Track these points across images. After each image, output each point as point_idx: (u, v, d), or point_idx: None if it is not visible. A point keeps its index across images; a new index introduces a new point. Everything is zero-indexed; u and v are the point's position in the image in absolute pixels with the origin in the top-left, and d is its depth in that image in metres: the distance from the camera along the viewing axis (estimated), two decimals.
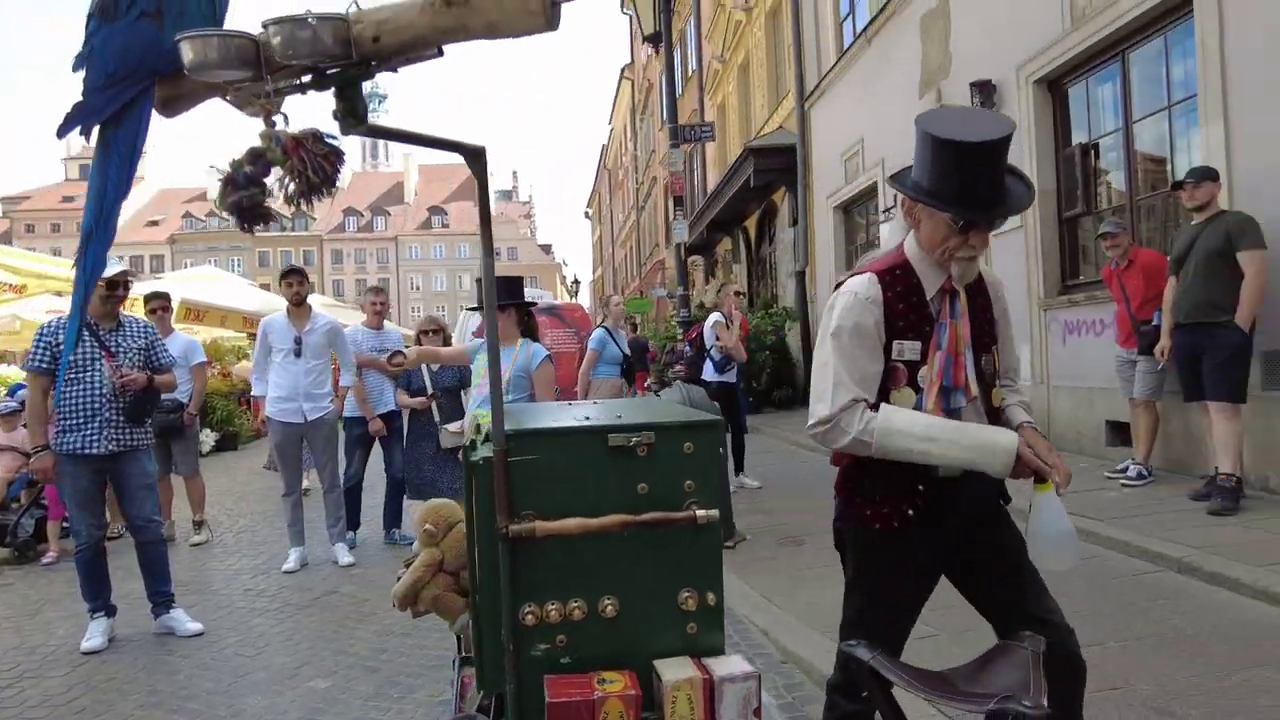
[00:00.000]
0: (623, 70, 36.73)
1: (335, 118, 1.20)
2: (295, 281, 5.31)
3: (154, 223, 72.45)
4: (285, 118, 1.23)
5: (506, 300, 3.59)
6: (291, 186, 1.21)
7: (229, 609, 4.39)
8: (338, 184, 1.30)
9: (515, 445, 1.56)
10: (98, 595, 3.95)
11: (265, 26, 1.12)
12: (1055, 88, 7.14)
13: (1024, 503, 1.85)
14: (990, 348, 1.89)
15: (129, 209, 74.07)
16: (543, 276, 70.26)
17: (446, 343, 5.65)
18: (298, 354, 5.18)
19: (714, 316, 6.79)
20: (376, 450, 5.81)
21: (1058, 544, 1.78)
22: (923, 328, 1.81)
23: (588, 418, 1.73)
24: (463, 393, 5.44)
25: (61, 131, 1.31)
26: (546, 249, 76.13)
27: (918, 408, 1.79)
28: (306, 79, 1.18)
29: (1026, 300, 7.29)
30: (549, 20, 1.12)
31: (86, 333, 4.03)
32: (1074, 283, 7.01)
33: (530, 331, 3.79)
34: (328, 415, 5.33)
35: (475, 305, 5.81)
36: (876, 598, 1.89)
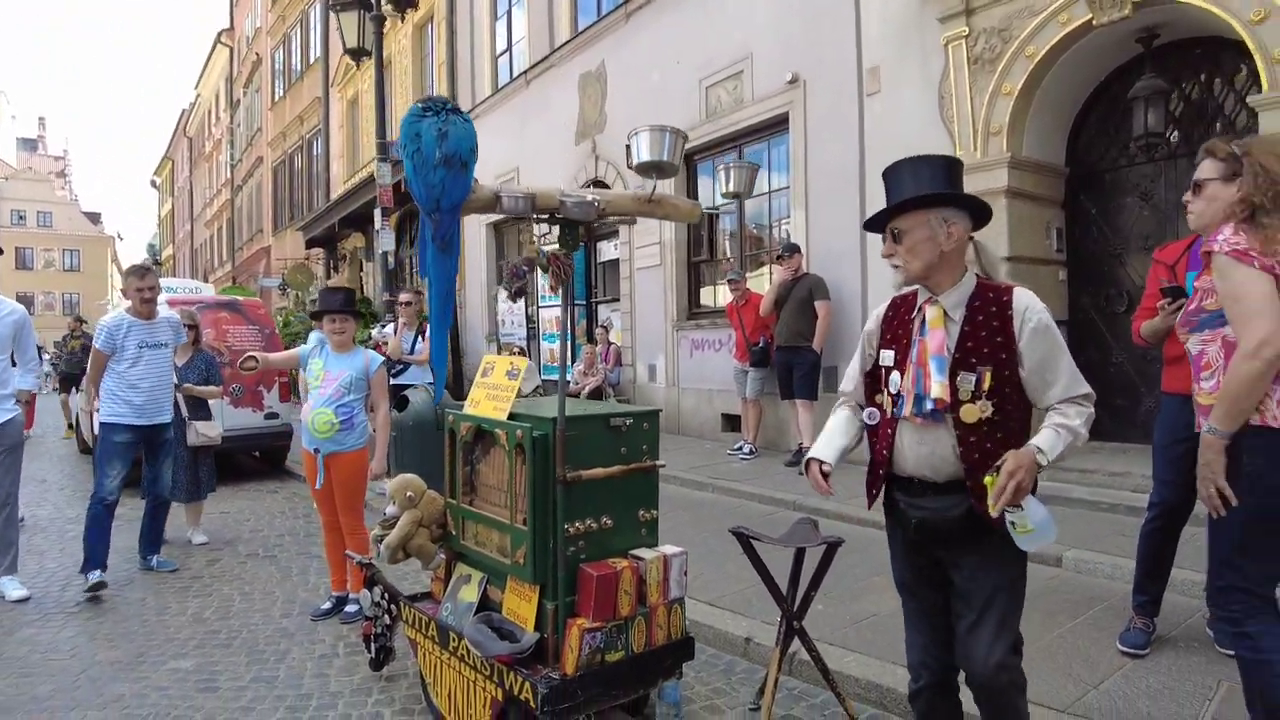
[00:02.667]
0: (220, 35, 33.31)
1: (560, 240, 2.09)
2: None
3: None
4: (539, 238, 2.08)
5: (343, 308, 4.11)
6: (551, 280, 2.05)
7: None
8: (570, 278, 2.16)
9: (568, 425, 2.53)
10: None
11: (563, 199, 1.96)
12: (690, 161, 9.30)
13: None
14: (973, 365, 1.93)
15: None
16: (87, 250, 59.05)
17: (197, 341, 5.61)
18: None
19: (386, 330, 7.08)
20: None
21: (1042, 528, 1.88)
22: (902, 339, 2.06)
23: (594, 409, 2.76)
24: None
25: (428, 225, 1.98)
26: (95, 219, 64.00)
27: (895, 409, 2.05)
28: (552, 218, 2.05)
29: (664, 323, 9.36)
30: (702, 219, 2.15)
31: None
32: (698, 310, 9.23)
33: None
34: (17, 418, 4.62)
35: (313, 313, 5.53)
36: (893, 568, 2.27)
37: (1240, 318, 2.08)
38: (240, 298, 9.26)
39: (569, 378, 8.22)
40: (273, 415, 8.23)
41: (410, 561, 3.00)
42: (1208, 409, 2.22)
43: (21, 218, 56.73)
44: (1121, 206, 6.13)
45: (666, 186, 9.15)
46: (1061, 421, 1.90)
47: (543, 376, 11.33)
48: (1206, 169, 2.49)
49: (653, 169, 2.14)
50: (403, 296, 6.89)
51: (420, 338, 6.69)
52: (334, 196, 19.88)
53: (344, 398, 3.99)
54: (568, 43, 11.14)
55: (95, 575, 4.47)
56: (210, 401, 5.78)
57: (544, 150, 11.74)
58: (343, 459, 4.00)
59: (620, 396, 9.83)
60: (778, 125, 8.00)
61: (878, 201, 6.80)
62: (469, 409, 2.88)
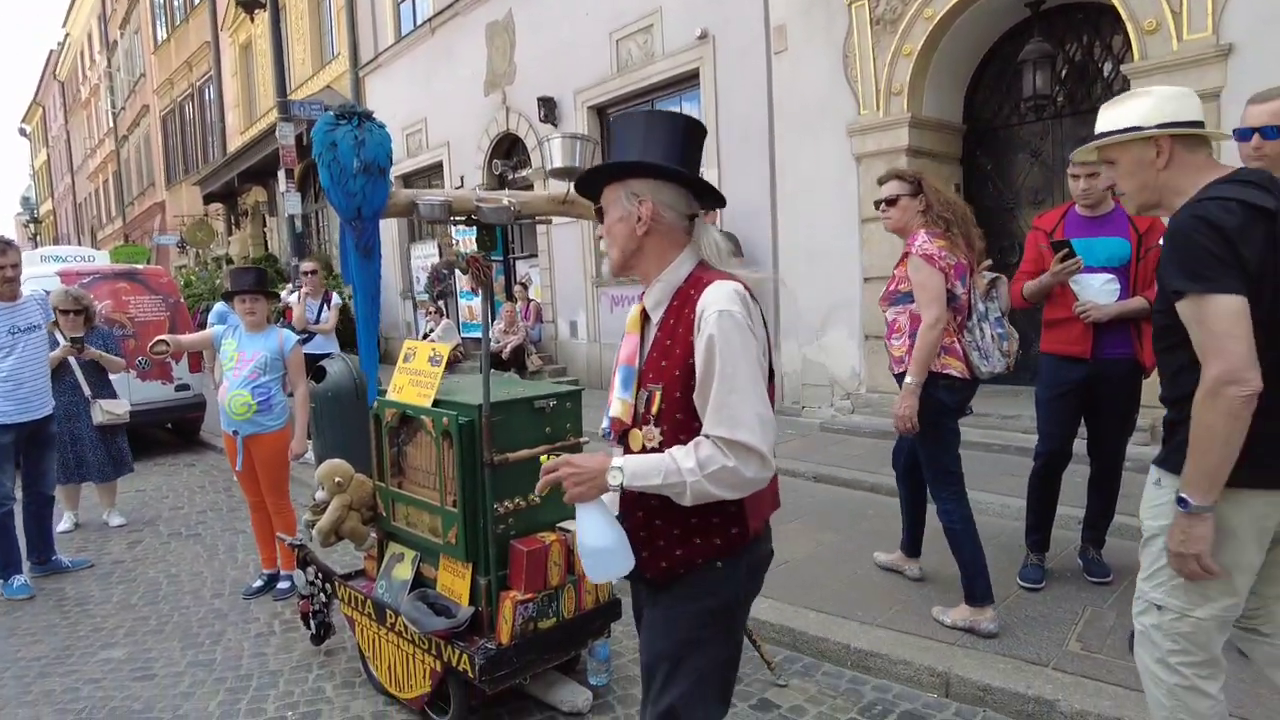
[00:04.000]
0: None
1: (478, 242, 2.14)
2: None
3: None
4: (460, 242, 2.13)
5: (254, 288, 4.05)
6: (470, 282, 2.11)
7: None
8: (490, 279, 2.22)
9: (493, 410, 2.63)
10: None
11: (479, 203, 2.01)
12: (602, 113, 9.26)
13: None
14: (647, 382, 1.59)
15: None
16: None
17: (89, 322, 5.38)
18: None
19: (290, 298, 6.99)
20: None
21: (593, 558, 1.61)
22: None
23: (510, 392, 2.86)
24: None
25: (349, 232, 1.98)
26: None
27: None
28: (468, 219, 2.09)
29: (583, 280, 9.43)
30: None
31: None
32: None
33: None
34: None
35: (225, 294, 5.26)
36: None
37: (923, 302, 3.01)
38: (140, 266, 8.83)
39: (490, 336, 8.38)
40: (184, 387, 7.98)
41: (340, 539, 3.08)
42: (899, 360, 3.18)
43: None
44: (1013, 162, 6.48)
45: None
46: (677, 452, 1.49)
47: (461, 335, 11.29)
48: (895, 188, 3.24)
49: (565, 174, 2.22)
50: (305, 265, 6.74)
51: (326, 306, 6.60)
52: (231, 149, 18.93)
53: (260, 378, 3.96)
54: None
55: (19, 580, 4.30)
56: (115, 375, 5.60)
57: (452, 101, 11.46)
58: (263, 440, 3.99)
59: (542, 353, 9.90)
60: (689, 81, 8.05)
61: (787, 158, 6.98)
62: (393, 395, 2.93)
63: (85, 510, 5.69)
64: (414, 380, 2.90)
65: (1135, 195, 1.88)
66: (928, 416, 3.05)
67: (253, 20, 10.62)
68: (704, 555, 1.59)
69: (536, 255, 10.45)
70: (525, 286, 10.54)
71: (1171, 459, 1.79)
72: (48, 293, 4.97)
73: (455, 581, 2.75)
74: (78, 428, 5.26)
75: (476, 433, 2.62)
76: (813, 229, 6.82)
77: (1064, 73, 6.07)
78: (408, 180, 13.16)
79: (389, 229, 13.48)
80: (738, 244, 7.09)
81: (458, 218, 2.14)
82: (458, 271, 2.69)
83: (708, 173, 7.80)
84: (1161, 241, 1.76)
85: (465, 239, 9.24)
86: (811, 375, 7.01)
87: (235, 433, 3.96)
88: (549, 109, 9.56)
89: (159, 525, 5.50)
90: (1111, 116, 1.87)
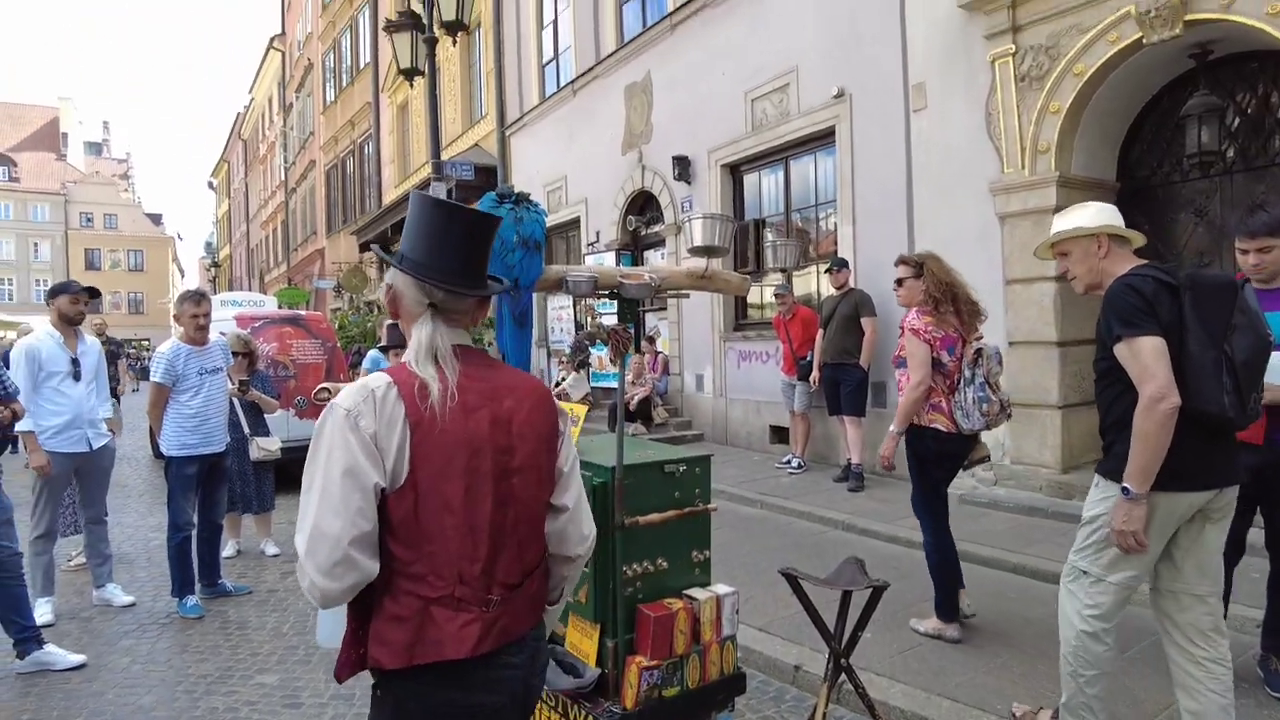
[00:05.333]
0: (272, 40, 34.23)
1: (619, 315, 2.25)
2: (84, 300, 4.87)
3: None
4: (600, 315, 2.25)
5: (398, 344, 4.36)
6: (610, 353, 2.22)
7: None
8: (629, 350, 2.34)
9: (625, 473, 2.69)
10: None
11: (623, 279, 2.13)
12: (735, 171, 9.39)
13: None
14: None
15: None
16: (150, 251, 61.29)
17: (253, 365, 5.92)
18: (76, 377, 4.71)
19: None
20: None
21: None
22: None
23: (641, 454, 2.92)
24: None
25: (506, 301, 2.11)
26: (156, 220, 66.31)
27: None
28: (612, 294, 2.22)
29: (711, 333, 9.49)
30: (746, 291, 2.32)
31: None
32: (745, 322, 9.33)
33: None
34: (111, 443, 4.97)
35: (383, 346, 5.70)
36: None
37: (910, 367, 3.73)
38: (303, 312, 9.64)
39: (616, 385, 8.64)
40: None
41: None
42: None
43: (89, 220, 59.12)
44: (1175, 222, 6.07)
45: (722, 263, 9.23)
46: None
47: (591, 384, 11.57)
48: (902, 271, 4.00)
49: (704, 252, 2.29)
50: None
51: None
52: (386, 202, 20.39)
53: None
54: (614, 53, 11.29)
55: (192, 601, 4.74)
56: (275, 414, 6.11)
57: (591, 159, 11.93)
58: None
59: (668, 405, 10.00)
60: (824, 138, 8.05)
61: (926, 217, 6.80)
62: None
63: (245, 541, 6.18)
64: None
65: (1084, 277, 2.61)
66: (916, 462, 3.82)
67: (411, 85, 11.47)
68: (350, 666, 1.50)
69: (665, 309, 10.62)
70: (653, 340, 10.72)
71: (1108, 467, 2.47)
72: (223, 334, 5.55)
73: (583, 640, 2.80)
74: (238, 462, 5.74)
75: (610, 494, 2.69)
76: None
77: (1234, 126, 5.67)
78: (547, 234, 13.70)
79: None
80: (870, 304, 6.97)
81: (602, 292, 2.24)
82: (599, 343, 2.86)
83: (842, 229, 7.75)
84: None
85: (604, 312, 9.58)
86: None
87: None
88: (683, 167, 9.78)
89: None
90: (1064, 221, 2.64)
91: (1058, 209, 5.86)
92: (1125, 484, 2.32)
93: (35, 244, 57.61)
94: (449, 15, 7.68)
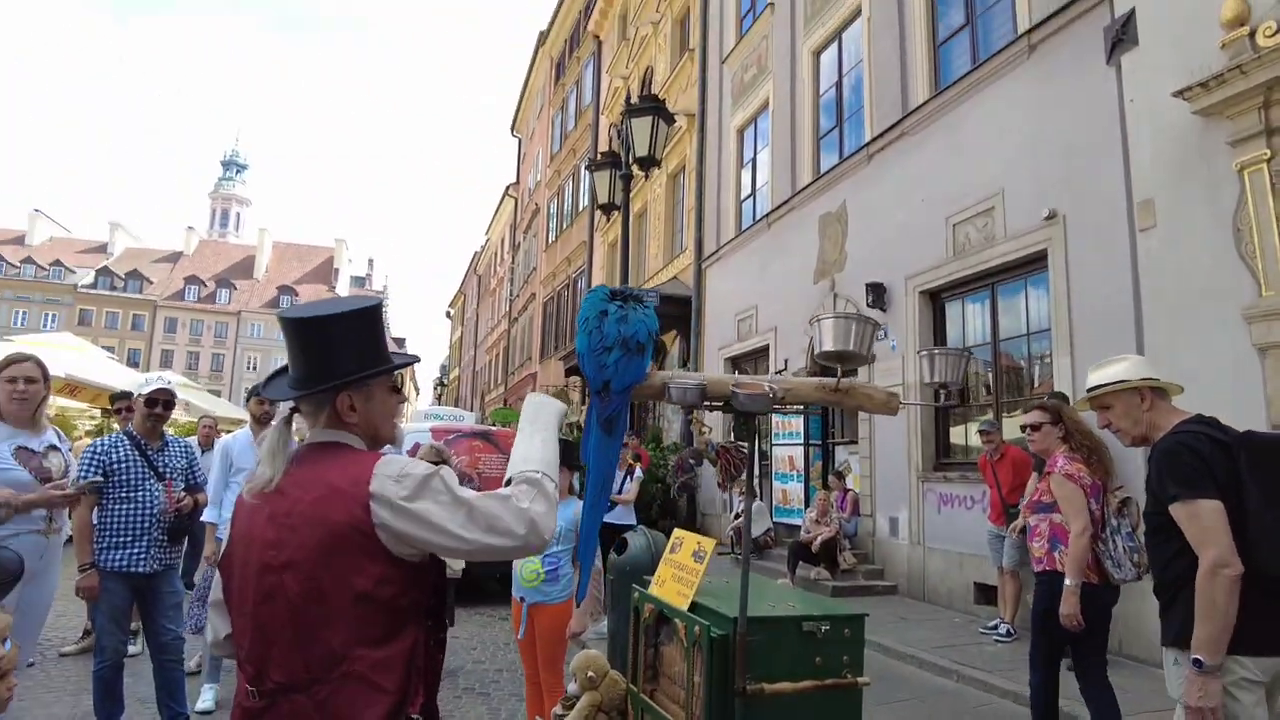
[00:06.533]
0: (507, 189, 38.30)
1: (735, 431, 1.95)
2: (268, 401, 5.16)
3: None
4: (710, 429, 1.98)
5: (564, 461, 4.24)
6: (720, 475, 1.94)
7: None
8: (743, 473, 2.05)
9: (752, 627, 2.28)
10: (113, 714, 4.03)
11: (735, 389, 1.88)
12: (935, 298, 8.79)
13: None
14: None
15: None
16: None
17: None
18: None
19: None
20: None
21: None
22: None
23: (778, 606, 2.49)
24: None
25: (596, 404, 1.99)
26: (400, 343, 74.66)
27: None
28: (725, 405, 1.95)
29: (907, 471, 8.66)
30: (894, 410, 1.97)
31: (135, 451, 4.25)
32: (947, 461, 8.44)
33: None
34: None
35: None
36: None
37: (1070, 514, 3.66)
38: (494, 428, 10.03)
39: (801, 523, 7.91)
40: None
41: None
42: (1038, 560, 3.91)
43: None
44: None
45: (913, 352, 8.68)
46: None
47: (774, 519, 10.93)
48: (1037, 416, 4.07)
49: (837, 359, 1.94)
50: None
51: (629, 478, 6.74)
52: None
53: (552, 547, 4.01)
54: (809, 185, 11.29)
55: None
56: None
57: (782, 288, 11.78)
58: (546, 611, 3.98)
59: (857, 550, 9.14)
60: (1034, 263, 7.34)
61: (1159, 348, 5.86)
62: (654, 588, 2.72)
63: None
64: (676, 574, 2.66)
65: (1130, 430, 2.58)
66: (1043, 613, 3.76)
67: (608, 218, 12.09)
68: None
69: (856, 441, 9.93)
70: (842, 475, 9.99)
71: (1178, 636, 2.30)
72: (419, 445, 5.75)
73: None
74: None
75: (731, 650, 2.27)
76: None
77: None
78: (735, 362, 13.61)
79: None
80: None
81: (715, 402, 1.94)
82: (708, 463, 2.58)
83: (1058, 361, 6.88)
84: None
85: (781, 442, 9.06)
86: None
87: (521, 599, 4.02)
88: (877, 294, 9.33)
89: (458, 677, 5.75)
90: (1103, 374, 2.64)
91: None
92: (1195, 655, 2.19)
93: None
94: (642, 151, 8.02)
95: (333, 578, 1.45)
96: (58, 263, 67.06)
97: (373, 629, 1.47)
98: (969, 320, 8.45)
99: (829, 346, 1.97)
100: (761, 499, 11.06)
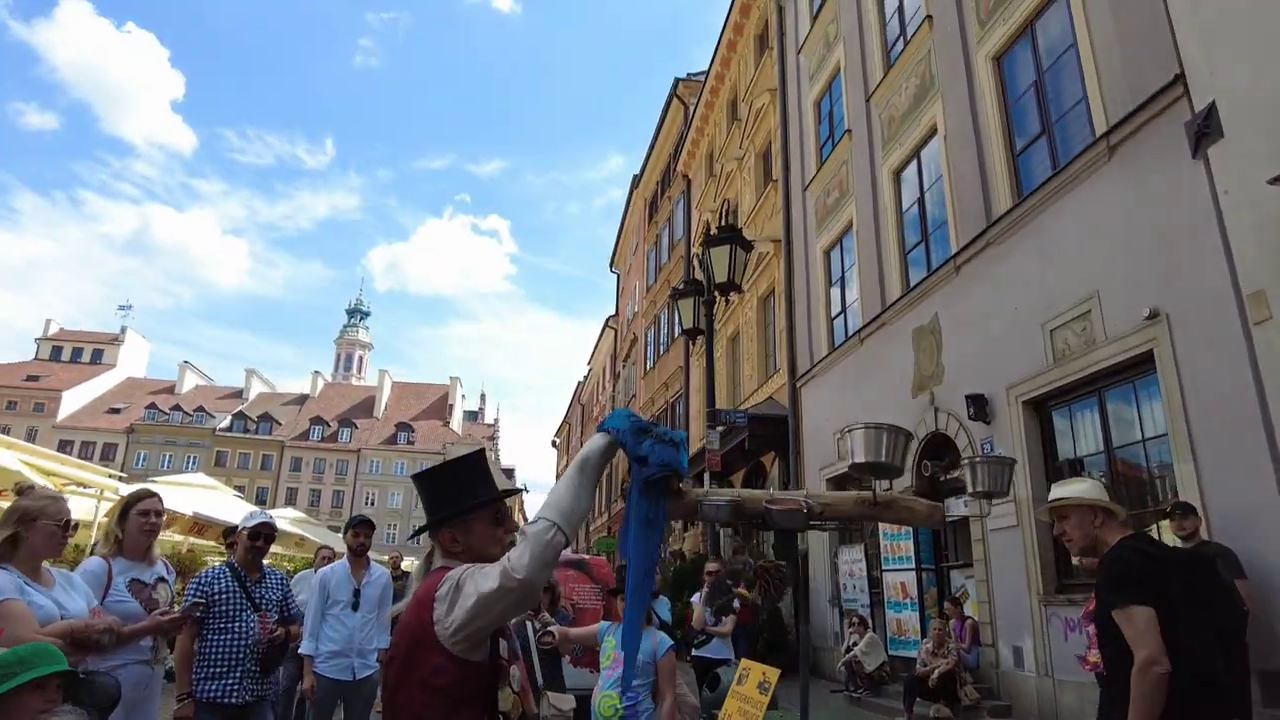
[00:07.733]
0: (607, 320, 39.62)
1: (775, 550, 1.93)
2: (364, 533, 5.36)
3: (115, 410, 71.54)
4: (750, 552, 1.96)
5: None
6: (759, 595, 1.90)
7: None
8: (786, 594, 2.00)
9: None
10: None
11: (769, 505, 1.88)
12: (1040, 408, 8.37)
13: None
14: None
15: (91, 394, 72.59)
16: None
17: (555, 602, 6.00)
18: (355, 607, 5.05)
19: (694, 599, 7.05)
20: None
21: None
22: None
23: None
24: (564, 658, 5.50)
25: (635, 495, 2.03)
26: (509, 473, 76.20)
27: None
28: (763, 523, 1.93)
29: (1028, 594, 8.02)
30: (940, 523, 1.91)
31: (235, 582, 4.44)
32: (1070, 582, 7.77)
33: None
34: (375, 675, 5.09)
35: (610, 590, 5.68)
36: None
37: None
38: (588, 557, 9.95)
39: (917, 655, 7.29)
40: None
41: None
42: (1094, 665, 4.26)
43: None
44: None
45: (1023, 460, 8.25)
46: None
47: (888, 652, 10.20)
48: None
49: (870, 470, 1.88)
50: (709, 566, 6.80)
51: (727, 610, 6.46)
52: (691, 453, 21.27)
53: (630, 683, 3.88)
54: (899, 300, 11.19)
55: None
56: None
57: (880, 404, 11.48)
58: None
59: (979, 684, 8.39)
60: (1142, 364, 6.94)
61: None
62: None
63: None
64: (742, 708, 2.55)
65: (1079, 541, 2.81)
66: None
67: (693, 343, 12.27)
68: None
69: (971, 564, 9.30)
70: (959, 601, 9.32)
71: None
72: None
73: None
74: None
75: None
76: None
77: None
78: (840, 482, 13.17)
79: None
80: (1236, 562, 5.43)
81: (755, 520, 1.91)
82: (745, 585, 2.44)
83: (1180, 468, 6.38)
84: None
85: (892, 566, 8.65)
86: None
87: None
88: (979, 406, 8.98)
89: None
90: (1064, 490, 2.85)
91: None
92: None
93: (417, 496, 68.67)
94: (721, 278, 8.22)
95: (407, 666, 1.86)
96: (200, 409, 72.90)
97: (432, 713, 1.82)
98: (1079, 429, 7.98)
99: (860, 458, 1.92)
100: (874, 630, 10.40)
